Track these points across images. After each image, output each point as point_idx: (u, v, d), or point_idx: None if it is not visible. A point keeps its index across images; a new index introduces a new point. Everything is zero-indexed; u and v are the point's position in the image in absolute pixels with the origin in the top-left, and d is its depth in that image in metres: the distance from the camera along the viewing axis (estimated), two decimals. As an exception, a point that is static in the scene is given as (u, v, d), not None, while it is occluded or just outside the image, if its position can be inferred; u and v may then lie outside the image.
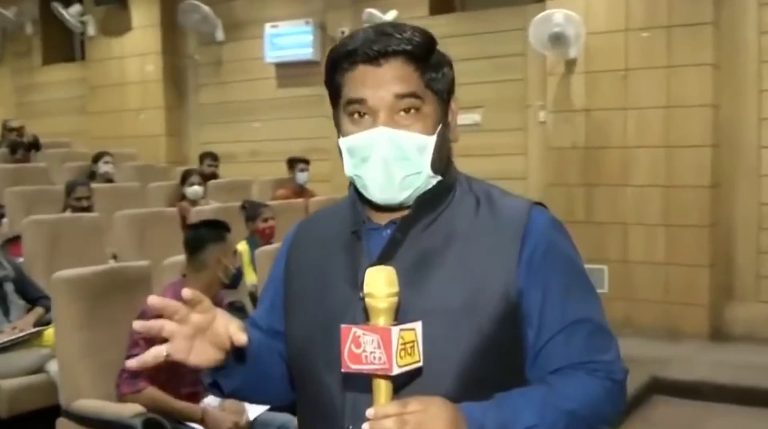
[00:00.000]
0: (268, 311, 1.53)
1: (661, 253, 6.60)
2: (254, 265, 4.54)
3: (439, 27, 7.89)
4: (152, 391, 3.18)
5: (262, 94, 9.13)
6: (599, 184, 6.84)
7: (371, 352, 1.15)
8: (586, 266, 1.43)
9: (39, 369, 3.89)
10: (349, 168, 1.36)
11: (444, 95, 1.38)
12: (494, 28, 7.62)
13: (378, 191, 1.34)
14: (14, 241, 5.01)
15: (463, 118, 7.80)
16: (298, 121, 8.81)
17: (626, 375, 1.38)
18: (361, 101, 1.32)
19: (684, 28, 6.39)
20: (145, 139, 9.76)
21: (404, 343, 1.16)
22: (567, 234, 1.42)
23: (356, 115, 1.33)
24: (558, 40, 6.66)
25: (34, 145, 7.83)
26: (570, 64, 6.90)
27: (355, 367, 1.17)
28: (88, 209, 5.55)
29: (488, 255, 1.32)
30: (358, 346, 1.16)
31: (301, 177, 7.33)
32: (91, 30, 10.09)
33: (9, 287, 4.20)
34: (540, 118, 7.34)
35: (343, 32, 8.44)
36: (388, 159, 1.31)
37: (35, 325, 4.10)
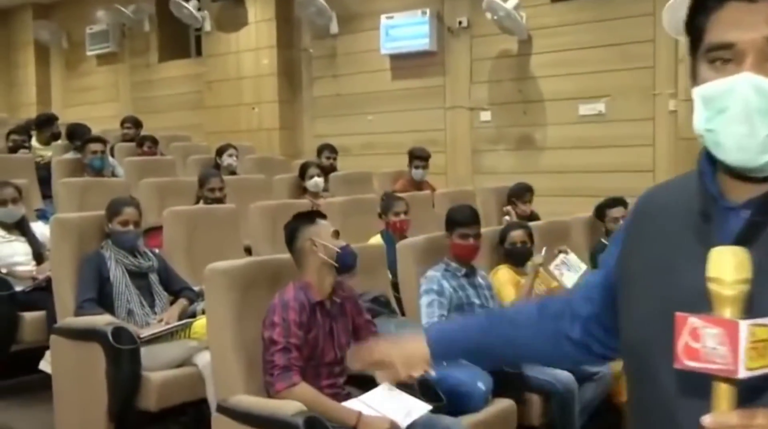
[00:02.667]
0: (584, 300, 1.42)
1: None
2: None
3: (562, 15, 7.59)
4: (306, 388, 3.04)
5: (376, 87, 9.00)
6: (736, 175, 6.41)
7: (712, 348, 0.97)
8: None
9: (186, 362, 3.79)
10: (701, 122, 1.14)
11: None
12: (620, 14, 7.24)
13: (734, 150, 1.11)
14: (150, 232, 4.96)
15: (587, 108, 7.49)
16: (413, 113, 8.65)
17: None
18: (725, 46, 1.11)
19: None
20: (259, 132, 9.78)
21: (755, 341, 0.96)
22: None
23: (718, 62, 1.12)
24: (694, 24, 6.25)
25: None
26: (705, 50, 6.48)
27: (691, 364, 0.99)
28: (221, 200, 5.49)
29: None
30: (697, 339, 0.98)
31: (417, 174, 7.11)
32: (207, 26, 10.14)
33: (154, 278, 4.14)
34: (670, 106, 6.96)
35: (460, 22, 8.23)
36: (750, 111, 1.09)
37: (180, 316, 4.02)
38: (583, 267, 4.68)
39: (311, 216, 3.31)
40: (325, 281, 3.21)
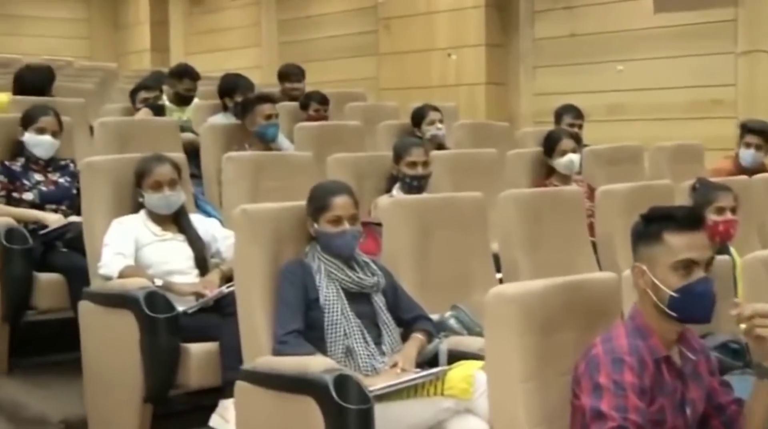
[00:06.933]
0: None
1: None
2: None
3: None
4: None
5: (630, 23, 8.71)
6: None
7: None
8: None
9: (436, 429, 3.52)
10: None
11: None
12: None
13: None
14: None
15: None
16: (686, 60, 8.34)
17: None
18: None
19: None
20: (457, 89, 9.70)
21: None
22: None
23: None
24: None
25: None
26: None
27: None
28: (424, 181, 5.43)
29: None
30: None
31: (746, 156, 6.62)
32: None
33: (380, 301, 3.84)
34: None
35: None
36: None
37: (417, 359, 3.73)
38: None
39: (662, 225, 2.83)
40: (666, 325, 2.84)
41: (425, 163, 5.49)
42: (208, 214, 5.35)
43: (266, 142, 6.25)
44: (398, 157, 5.51)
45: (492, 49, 9.52)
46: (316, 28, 11.30)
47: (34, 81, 7.05)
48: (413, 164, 5.43)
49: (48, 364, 5.22)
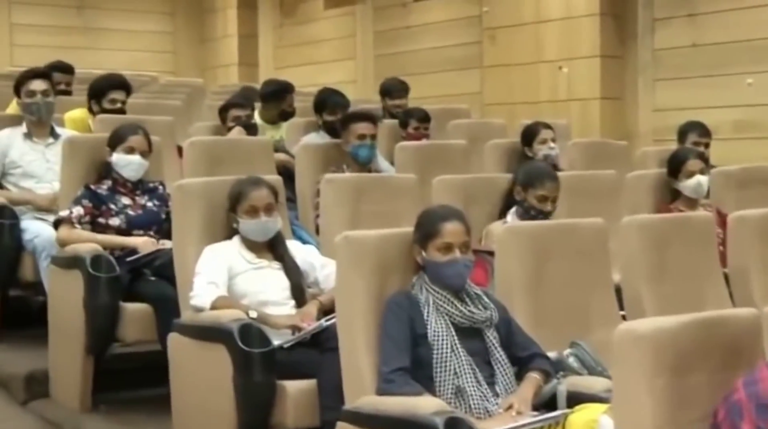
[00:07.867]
0: None
1: None
2: None
3: None
4: None
5: (759, 31, 8.58)
6: None
7: None
8: None
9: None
10: None
11: None
12: None
13: None
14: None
15: None
16: None
17: None
18: None
19: None
20: (568, 104, 9.65)
21: None
22: None
23: None
24: None
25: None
26: None
27: None
28: (551, 215, 5.28)
29: None
30: None
31: None
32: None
33: (492, 337, 3.81)
34: None
35: None
36: None
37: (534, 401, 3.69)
38: None
39: None
40: None
41: (555, 199, 5.29)
42: (303, 241, 5.38)
43: (360, 163, 6.25)
44: (527, 184, 5.30)
45: (607, 60, 9.45)
46: (415, 39, 11.32)
47: (93, 87, 7.06)
48: (544, 199, 5.23)
49: (134, 400, 5.32)
